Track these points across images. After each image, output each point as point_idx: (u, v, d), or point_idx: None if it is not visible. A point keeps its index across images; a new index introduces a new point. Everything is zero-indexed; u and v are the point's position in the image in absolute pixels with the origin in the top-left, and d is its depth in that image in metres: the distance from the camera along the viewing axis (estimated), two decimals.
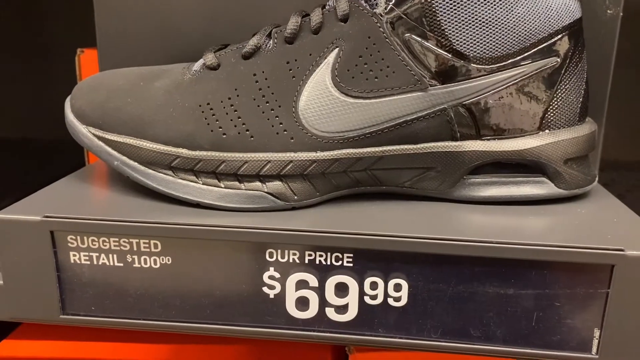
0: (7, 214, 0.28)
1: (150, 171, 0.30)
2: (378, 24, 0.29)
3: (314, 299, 0.28)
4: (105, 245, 0.28)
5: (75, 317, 0.29)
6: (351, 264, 0.27)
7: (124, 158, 0.30)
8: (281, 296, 0.28)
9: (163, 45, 0.41)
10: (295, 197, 0.30)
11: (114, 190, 0.32)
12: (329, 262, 0.27)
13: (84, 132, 0.31)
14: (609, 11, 0.38)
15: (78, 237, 0.28)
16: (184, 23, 0.40)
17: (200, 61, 0.32)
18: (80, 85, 0.33)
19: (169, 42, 0.41)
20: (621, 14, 0.38)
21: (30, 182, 0.51)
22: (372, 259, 0.27)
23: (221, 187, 0.29)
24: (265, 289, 0.28)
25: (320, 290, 0.28)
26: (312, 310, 0.28)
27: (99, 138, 0.31)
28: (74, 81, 0.47)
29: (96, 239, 0.28)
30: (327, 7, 0.31)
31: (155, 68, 0.33)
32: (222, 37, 0.40)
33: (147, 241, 0.28)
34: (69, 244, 0.28)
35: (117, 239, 0.28)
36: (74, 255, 0.28)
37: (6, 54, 0.68)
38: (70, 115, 0.32)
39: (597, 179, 0.33)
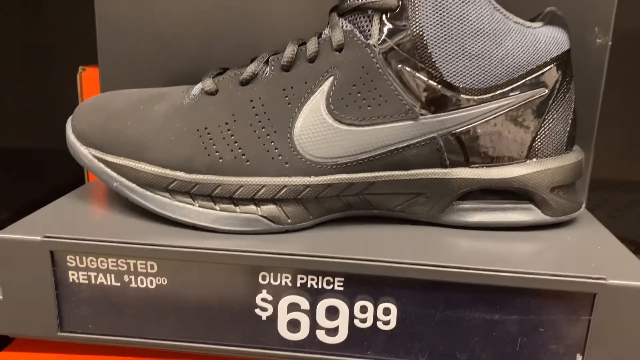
0: (8, 233, 0.29)
1: (149, 193, 0.31)
2: (371, 55, 0.30)
3: (305, 321, 0.28)
4: (104, 265, 0.29)
5: (72, 334, 0.30)
6: (342, 288, 0.28)
7: (123, 180, 0.31)
8: (273, 318, 0.29)
9: (163, 65, 0.42)
10: (289, 221, 0.30)
11: (112, 211, 0.33)
12: (320, 286, 0.28)
13: (84, 153, 0.32)
14: (598, 40, 0.39)
15: (77, 257, 0.29)
16: (184, 43, 0.41)
17: (199, 86, 0.33)
18: (82, 107, 0.34)
19: (170, 62, 0.42)
20: (610, 43, 0.39)
21: (31, 192, 0.52)
22: (362, 284, 0.28)
23: (217, 210, 0.30)
24: (257, 310, 0.29)
25: (311, 313, 0.28)
26: (303, 332, 0.29)
27: (99, 159, 0.32)
28: (75, 94, 0.48)
29: (95, 259, 0.29)
30: (322, 37, 0.32)
31: (154, 91, 0.34)
32: (221, 57, 0.41)
33: (143, 262, 0.29)
34: (68, 264, 0.29)
35: (115, 260, 0.29)
36: (73, 275, 0.29)
37: (11, 65, 0.69)
38: (71, 136, 0.33)
39: (583, 205, 0.34)
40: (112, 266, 0.29)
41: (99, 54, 0.42)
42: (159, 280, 0.29)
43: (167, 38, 0.41)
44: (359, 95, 0.30)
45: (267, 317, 0.29)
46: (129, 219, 0.32)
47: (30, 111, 0.70)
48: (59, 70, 0.69)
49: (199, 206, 0.30)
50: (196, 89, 0.33)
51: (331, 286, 0.28)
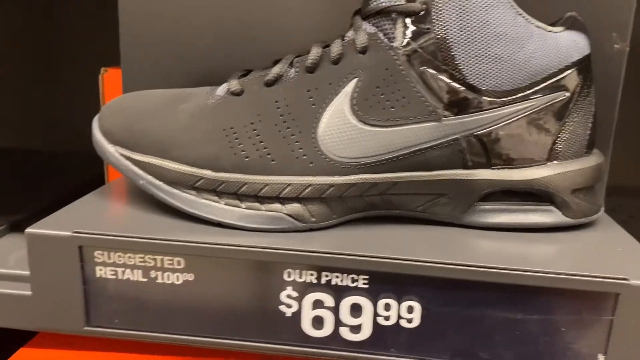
0: (38, 228, 0.29)
1: (175, 191, 0.31)
2: (395, 57, 0.30)
3: (329, 318, 0.29)
4: (130, 261, 0.29)
5: (98, 329, 0.31)
6: (366, 286, 0.28)
7: (150, 177, 0.32)
8: (297, 315, 0.29)
9: (185, 67, 0.42)
10: (313, 219, 0.31)
11: (138, 208, 0.34)
12: (344, 284, 0.28)
13: (111, 151, 0.33)
14: (616, 46, 0.39)
15: (105, 253, 0.29)
16: (205, 46, 0.42)
17: (224, 86, 0.33)
18: (108, 106, 0.35)
19: (191, 64, 0.42)
20: (627, 48, 0.39)
21: (51, 192, 0.52)
22: (386, 282, 0.28)
23: (242, 208, 0.31)
24: (282, 307, 0.29)
25: (335, 310, 0.29)
26: (327, 330, 0.29)
27: (126, 157, 0.32)
28: (90, 95, 0.49)
29: (122, 255, 0.29)
30: (346, 39, 0.32)
31: (179, 91, 0.35)
32: (242, 59, 0.41)
33: (171, 258, 0.29)
34: (96, 259, 0.30)
35: (142, 255, 0.29)
36: (100, 270, 0.30)
37: (32, 68, 0.70)
38: (98, 135, 0.34)
39: (602, 208, 0.34)
40: (139, 262, 0.29)
41: (122, 55, 0.43)
42: (185, 276, 0.29)
43: (189, 41, 0.42)
44: (382, 96, 0.30)
45: (292, 314, 0.29)
46: (155, 216, 0.32)
47: (46, 112, 0.71)
48: (71, 72, 0.70)
49: (225, 204, 0.31)
50: (221, 89, 0.33)
51: (355, 284, 0.28)
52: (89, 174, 0.58)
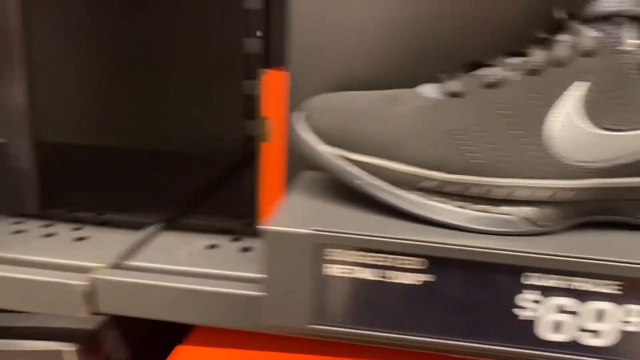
0: (278, 226, 0.30)
1: (399, 191, 0.31)
2: (626, 62, 0.30)
3: (569, 323, 0.29)
4: (365, 260, 0.30)
5: (325, 327, 0.31)
6: (615, 292, 0.28)
7: (369, 178, 0.32)
8: (534, 318, 0.29)
9: (352, 70, 0.43)
10: (544, 223, 0.31)
11: (351, 206, 0.33)
12: (589, 289, 0.28)
13: (322, 150, 0.33)
14: None
15: (338, 251, 0.30)
16: (375, 49, 0.42)
17: (436, 87, 0.34)
18: (316, 106, 0.35)
19: (359, 67, 0.43)
20: None
21: (191, 191, 0.53)
22: (636, 288, 0.28)
23: (470, 210, 0.31)
24: (518, 310, 0.29)
25: (576, 315, 0.28)
26: (567, 335, 0.29)
27: (341, 157, 0.33)
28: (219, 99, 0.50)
29: (362, 254, 0.29)
30: (567, 42, 0.32)
31: (382, 93, 0.35)
32: (406, 64, 0.41)
33: (407, 258, 0.29)
34: (326, 256, 0.30)
35: (378, 255, 0.29)
36: (331, 268, 0.30)
37: (165, 74, 0.72)
38: (308, 135, 0.34)
39: None
40: (374, 261, 0.30)
41: (292, 57, 0.44)
42: (425, 277, 0.29)
43: (358, 43, 0.42)
44: (614, 100, 0.30)
45: (528, 317, 0.29)
46: (373, 215, 0.32)
47: (179, 115, 0.73)
48: (200, 78, 0.71)
49: (453, 206, 0.31)
50: (434, 90, 0.33)
51: (602, 289, 0.28)
52: (220, 173, 0.59)
